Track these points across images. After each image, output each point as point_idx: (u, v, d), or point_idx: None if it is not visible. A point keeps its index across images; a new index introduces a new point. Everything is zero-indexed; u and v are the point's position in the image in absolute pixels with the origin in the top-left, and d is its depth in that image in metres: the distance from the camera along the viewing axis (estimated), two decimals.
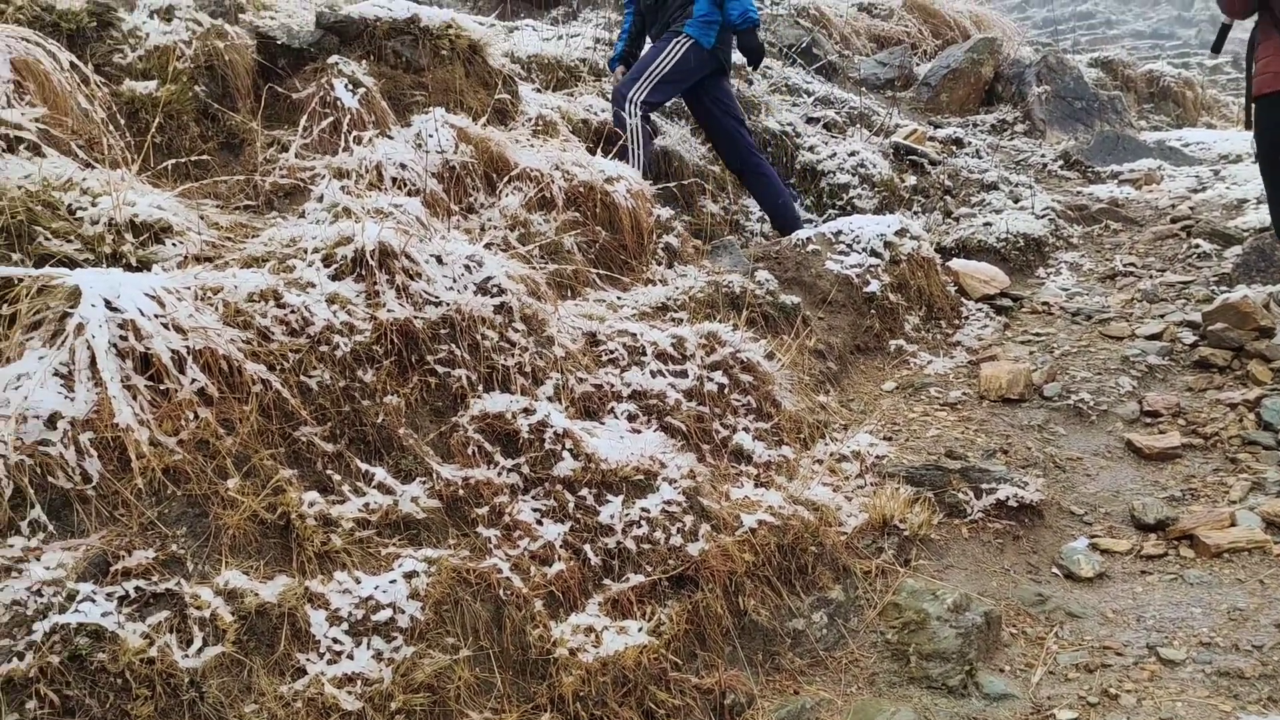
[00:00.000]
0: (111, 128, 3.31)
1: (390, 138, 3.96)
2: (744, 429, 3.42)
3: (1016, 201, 6.03)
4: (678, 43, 5.31)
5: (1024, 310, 5.00)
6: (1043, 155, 7.21)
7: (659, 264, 4.39)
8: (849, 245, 4.79)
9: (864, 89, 7.71)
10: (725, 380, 3.50)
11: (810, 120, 6.62)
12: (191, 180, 3.53)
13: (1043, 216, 5.80)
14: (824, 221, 5.44)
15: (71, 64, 3.26)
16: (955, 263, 5.25)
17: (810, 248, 4.72)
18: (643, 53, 5.48)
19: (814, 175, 6.10)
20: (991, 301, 5.02)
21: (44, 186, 2.83)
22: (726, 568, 2.76)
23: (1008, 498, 3.38)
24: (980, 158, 6.82)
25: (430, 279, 2.94)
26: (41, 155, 3.04)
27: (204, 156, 3.70)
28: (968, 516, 3.36)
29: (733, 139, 5.43)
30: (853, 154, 6.14)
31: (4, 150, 2.94)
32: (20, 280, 2.40)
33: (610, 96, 5.38)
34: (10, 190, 2.73)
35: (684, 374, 3.44)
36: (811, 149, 6.22)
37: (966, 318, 4.90)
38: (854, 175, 6.05)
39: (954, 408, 4.13)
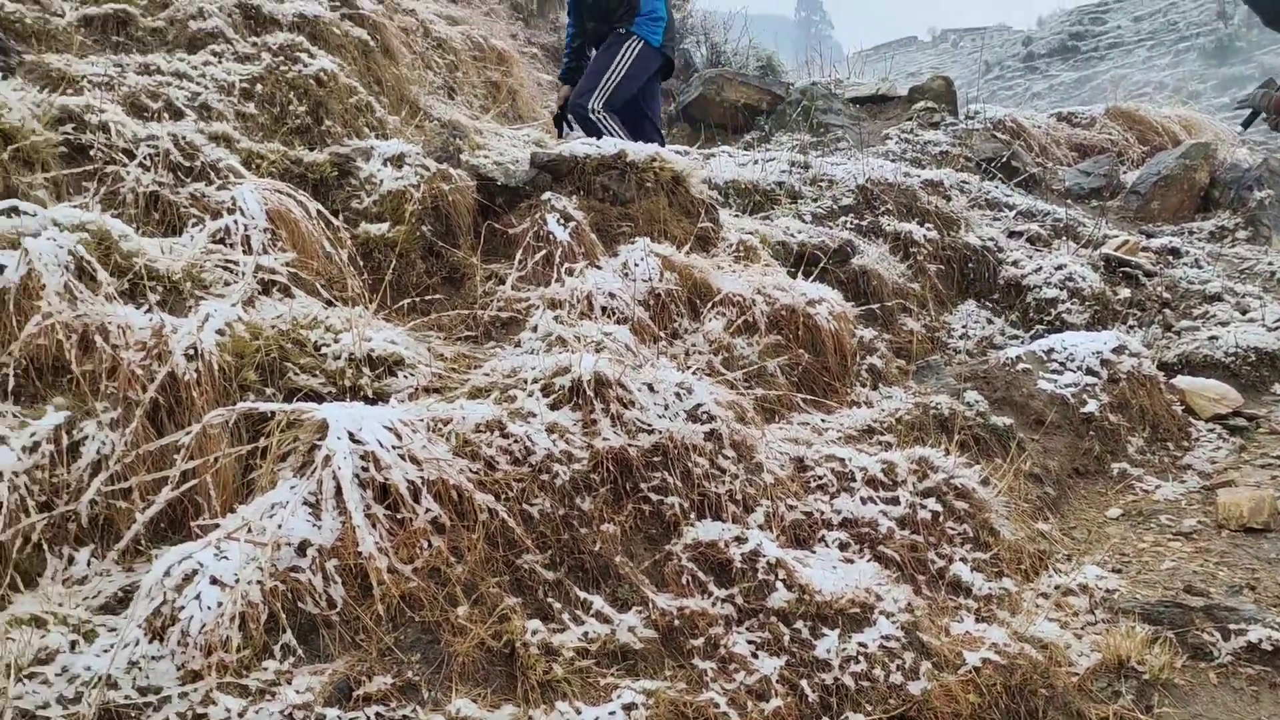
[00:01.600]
0: (351, 268, 3.58)
1: (599, 268, 4.12)
2: (961, 559, 3.29)
3: (1244, 313, 5.67)
4: (629, 46, 5.34)
5: (1261, 431, 4.64)
6: (1270, 263, 6.78)
7: (863, 386, 4.34)
8: (1062, 363, 4.61)
9: (1068, 200, 7.51)
10: (939, 507, 3.39)
11: (1013, 234, 6.48)
12: (419, 314, 3.77)
13: (1275, 329, 5.43)
14: (1032, 339, 5.26)
15: (319, 212, 3.57)
16: (1180, 380, 4.96)
17: (1020, 366, 4.57)
18: (593, 57, 5.43)
19: (1019, 290, 5.93)
20: (1223, 421, 4.70)
21: (293, 325, 3.07)
22: (951, 709, 2.63)
23: (1260, 640, 3.10)
24: (1200, 267, 6.48)
25: (643, 407, 3.00)
26: (291, 296, 3.32)
27: (430, 291, 3.96)
28: (1215, 660, 3.09)
29: (647, 139, 5.43)
30: (1059, 267, 5.95)
31: (260, 292, 3.23)
32: (273, 414, 2.61)
33: (568, 110, 5.44)
34: (265, 330, 2.99)
35: (895, 501, 3.36)
36: (1015, 264, 6.07)
37: (1196, 439, 4.59)
38: (1062, 289, 5.85)
39: (1189, 538, 3.85)
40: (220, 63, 5.13)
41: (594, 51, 5.71)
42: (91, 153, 3.43)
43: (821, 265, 4.71)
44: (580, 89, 5.31)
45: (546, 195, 4.33)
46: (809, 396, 4.10)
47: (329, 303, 3.39)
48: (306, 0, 5.96)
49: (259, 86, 5.10)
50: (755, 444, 3.21)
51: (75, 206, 3.08)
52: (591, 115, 5.23)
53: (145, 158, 3.49)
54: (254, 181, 3.61)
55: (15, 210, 2.93)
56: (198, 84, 4.89)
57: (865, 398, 4.24)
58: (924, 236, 6.02)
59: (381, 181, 4.06)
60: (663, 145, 5.39)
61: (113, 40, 5.23)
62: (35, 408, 2.55)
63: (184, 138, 3.66)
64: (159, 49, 5.24)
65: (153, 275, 3.00)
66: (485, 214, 4.36)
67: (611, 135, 5.11)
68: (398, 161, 4.16)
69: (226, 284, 3.20)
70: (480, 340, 3.79)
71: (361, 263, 3.76)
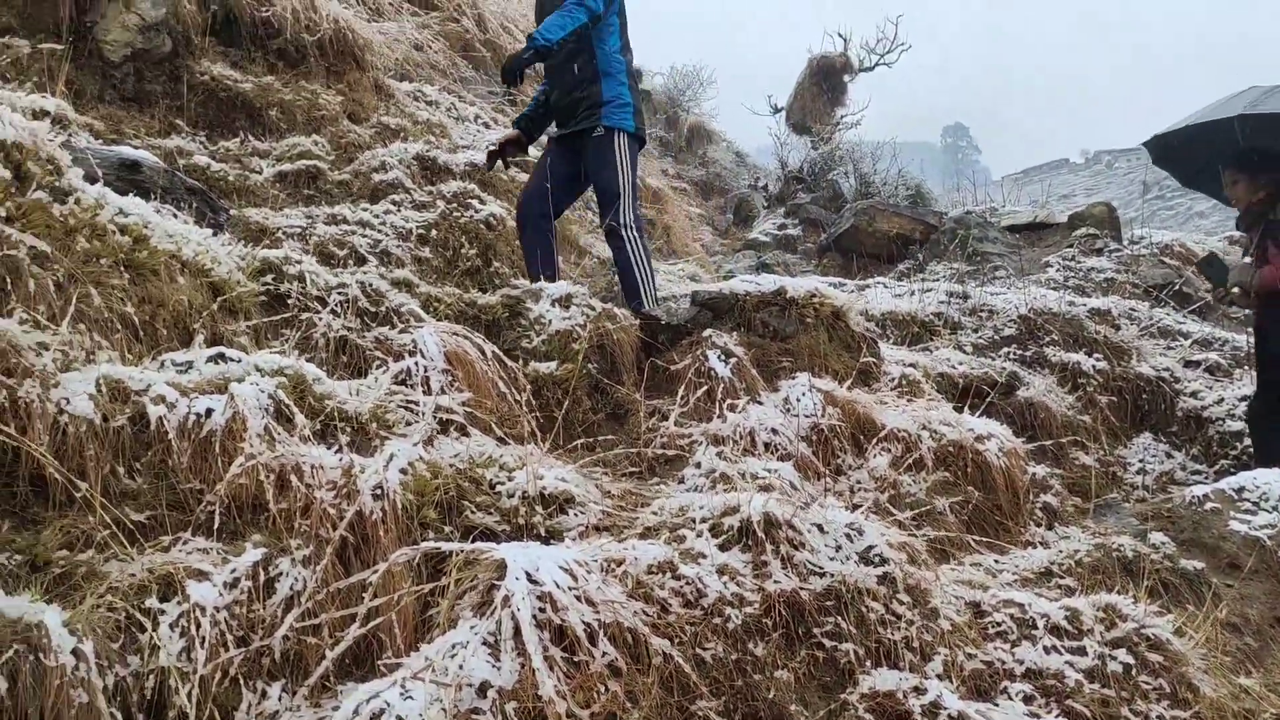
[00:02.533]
0: (523, 406, 3.70)
1: (761, 403, 4.14)
2: (1158, 717, 3.07)
3: None
4: (617, 144, 4.94)
5: None
6: None
7: (1037, 525, 4.18)
8: (1255, 503, 4.33)
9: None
10: (1130, 659, 3.18)
11: (1189, 364, 6.21)
12: (586, 451, 3.85)
13: None
14: (1218, 476, 4.98)
15: (494, 353, 3.72)
16: None
17: (1209, 506, 4.31)
18: (593, 174, 4.99)
19: (1200, 423, 5.65)
20: None
21: (470, 464, 3.18)
22: None
23: None
24: None
25: (813, 549, 2.96)
26: (467, 434, 3.45)
27: (595, 428, 4.05)
28: None
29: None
30: (1244, 399, 5.65)
31: (439, 431, 3.36)
32: (452, 553, 2.68)
33: (604, 232, 5.03)
34: (444, 468, 3.10)
35: (1082, 651, 3.17)
36: (1194, 395, 5.80)
37: None
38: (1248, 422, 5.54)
39: None
40: (399, 211, 5.48)
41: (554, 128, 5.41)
42: (289, 301, 3.68)
43: (988, 399, 4.60)
44: (608, 211, 4.93)
45: (707, 332, 4.41)
46: (980, 537, 3.96)
47: (502, 440, 3.50)
48: (477, 151, 6.33)
49: (434, 232, 5.42)
50: (930, 587, 3.11)
51: (275, 352, 3.30)
52: (625, 233, 4.83)
53: (336, 304, 3.72)
54: (433, 325, 3.80)
55: (222, 357, 3.15)
56: (379, 232, 5.23)
57: (1040, 538, 4.07)
58: (1093, 367, 5.83)
59: (550, 322, 4.21)
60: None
61: (304, 193, 5.66)
62: (235, 544, 2.69)
63: (370, 285, 3.89)
64: (345, 200, 5.65)
65: (342, 416, 3.16)
66: (648, 351, 4.46)
67: (642, 267, 4.81)
68: (565, 302, 4.32)
69: (408, 423, 3.35)
70: (645, 476, 3.83)
71: (532, 401, 3.88)
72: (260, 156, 5.85)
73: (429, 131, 6.73)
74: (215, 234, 3.79)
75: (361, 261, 4.90)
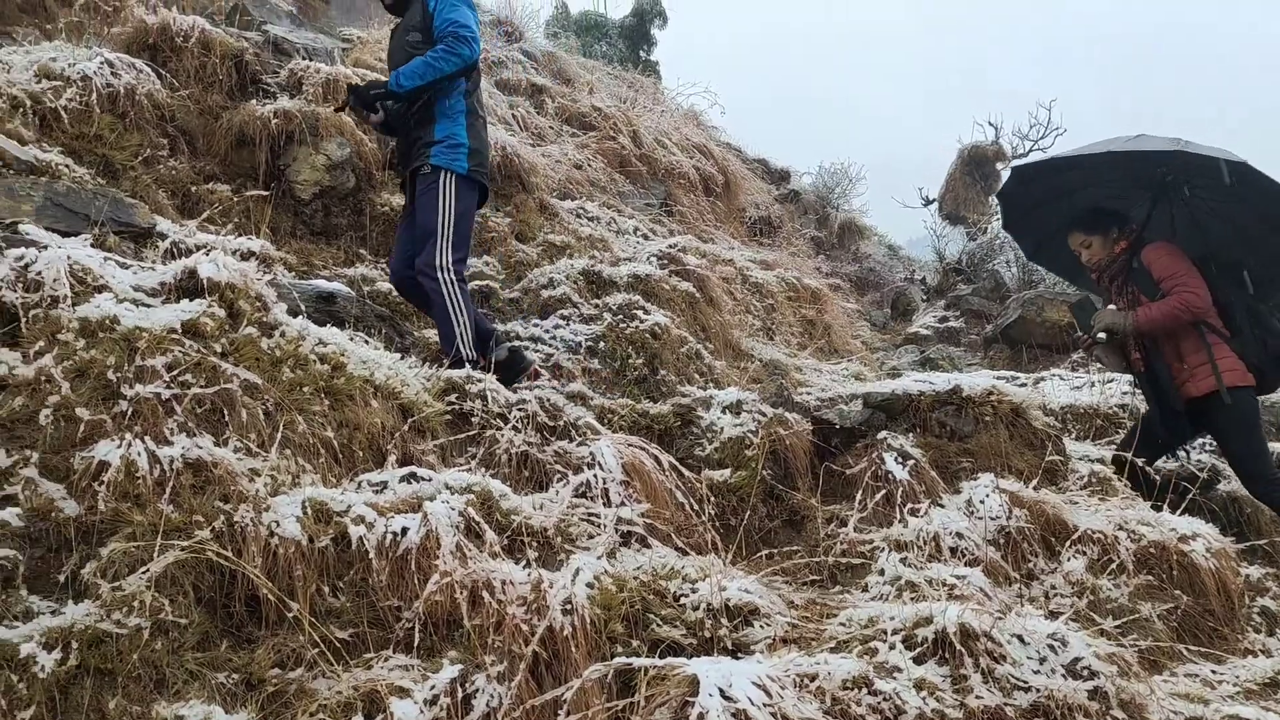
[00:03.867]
0: (701, 516, 3.70)
1: (942, 506, 4.02)
2: None
3: None
4: (441, 185, 4.60)
5: None
6: None
7: (1256, 631, 3.87)
8: None
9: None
10: None
11: None
12: (762, 560, 3.80)
13: None
14: None
15: (670, 464, 3.75)
16: None
17: None
18: (417, 211, 4.67)
19: None
20: None
21: (653, 576, 3.18)
22: None
23: None
24: None
25: (1015, 661, 2.82)
26: (648, 546, 3.47)
27: (771, 535, 4.01)
28: None
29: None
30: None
31: (620, 544, 3.40)
32: (640, 669, 2.67)
33: (417, 274, 4.57)
34: (629, 581, 3.11)
35: None
36: None
37: None
38: None
39: None
40: (568, 325, 5.64)
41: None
42: (473, 419, 3.82)
43: (1189, 495, 4.34)
44: (421, 250, 4.57)
45: (882, 434, 4.33)
46: (1193, 645, 3.70)
47: (682, 551, 3.50)
48: (639, 262, 6.49)
49: (601, 344, 5.55)
50: (1145, 702, 2.91)
51: (463, 470, 3.42)
52: (440, 274, 4.46)
53: (517, 420, 3.84)
54: (610, 437, 3.87)
55: (414, 476, 3.29)
56: (550, 346, 5.39)
57: (1261, 645, 3.77)
58: None
59: (722, 429, 4.23)
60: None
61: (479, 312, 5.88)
62: (433, 660, 2.76)
63: (548, 400, 4.01)
64: (516, 317, 5.86)
65: (528, 531, 3.23)
66: (821, 455, 4.41)
67: (458, 313, 4.45)
68: (735, 409, 4.33)
69: (590, 536, 3.39)
70: (827, 585, 3.76)
71: (706, 509, 3.87)
72: None
73: (592, 246, 6.96)
74: (403, 357, 3.99)
75: (535, 377, 5.05)
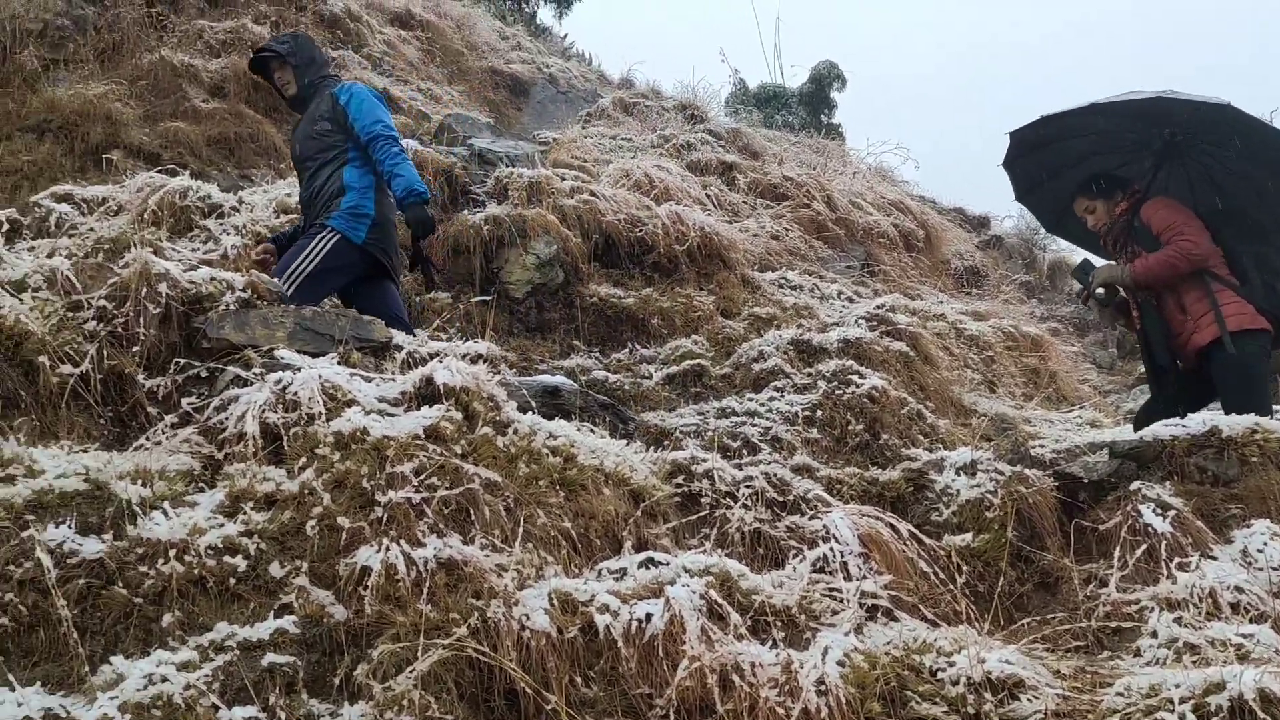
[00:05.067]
0: (948, 585, 3.55)
1: (1214, 558, 3.70)
2: None
3: None
4: (322, 238, 4.69)
5: None
6: None
7: None
8: None
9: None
10: None
11: None
12: (1018, 625, 3.60)
13: None
14: None
15: (909, 532, 3.63)
16: None
17: None
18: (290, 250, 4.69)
19: None
20: None
21: (905, 651, 3.06)
22: None
23: None
24: None
25: None
26: (894, 619, 3.35)
27: (1023, 600, 3.79)
28: None
29: None
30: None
31: (866, 619, 3.29)
32: None
33: None
34: (880, 657, 3.00)
35: None
36: None
37: None
38: None
39: None
40: (783, 397, 5.61)
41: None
42: (701, 499, 3.83)
43: None
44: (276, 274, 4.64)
45: (1135, 485, 4.05)
46: None
47: (932, 623, 3.36)
48: (847, 326, 6.41)
49: (819, 412, 5.47)
50: None
51: (698, 552, 3.41)
52: None
53: (745, 498, 3.82)
54: (841, 508, 3.79)
55: (651, 561, 3.31)
56: (767, 419, 5.36)
57: None
58: None
59: (958, 491, 4.06)
60: (412, 335, 4.63)
61: (691, 391, 5.95)
62: None
63: (775, 475, 3.97)
64: (729, 393, 5.87)
65: (770, 610, 3.18)
66: (1068, 511, 4.16)
67: None
68: (970, 469, 4.16)
69: (834, 612, 3.31)
70: (1093, 650, 3.51)
71: (950, 577, 3.71)
72: (648, 363, 6.27)
73: (798, 315, 6.92)
74: (628, 443, 4.05)
75: (755, 451, 5.03)
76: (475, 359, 3.92)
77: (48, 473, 2.99)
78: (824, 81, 18.57)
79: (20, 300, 3.42)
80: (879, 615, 3.36)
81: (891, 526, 3.72)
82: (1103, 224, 4.98)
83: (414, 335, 4.69)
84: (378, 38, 11.28)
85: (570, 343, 6.40)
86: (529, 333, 6.45)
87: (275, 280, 4.37)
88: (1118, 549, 3.87)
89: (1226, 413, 4.48)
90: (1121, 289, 4.86)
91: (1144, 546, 3.85)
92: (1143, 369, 11.12)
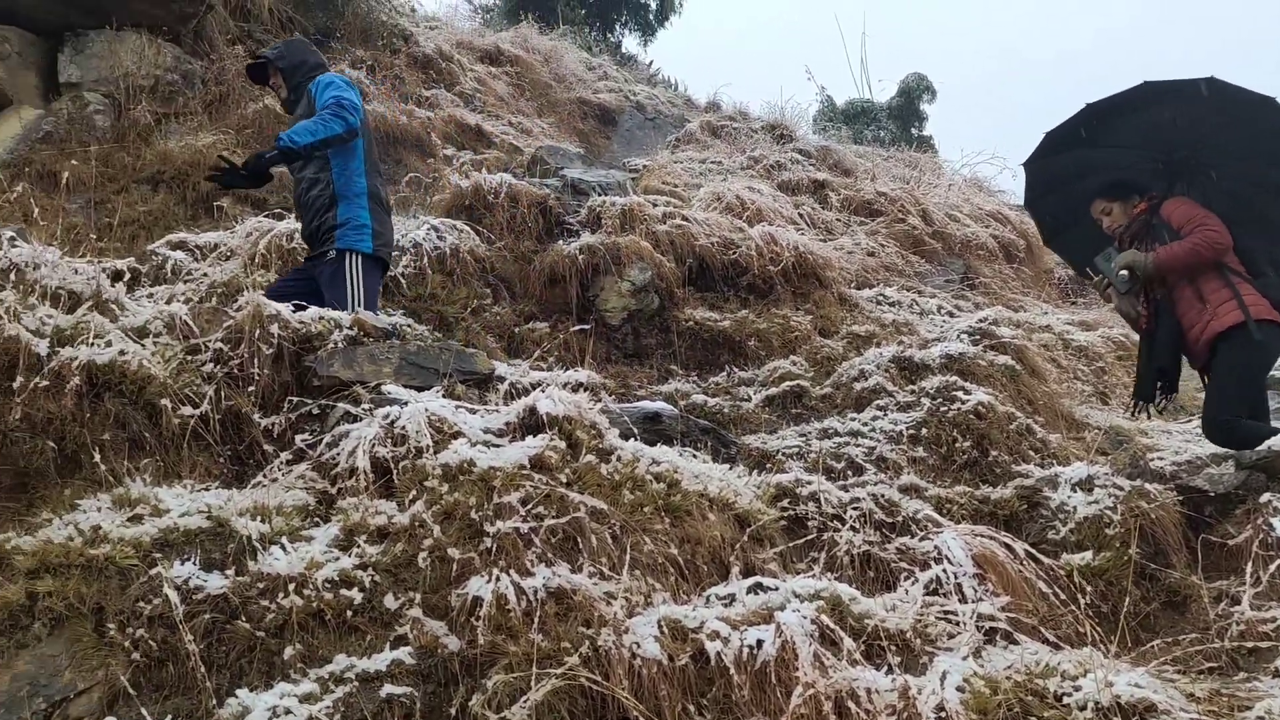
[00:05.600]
0: (1069, 605, 3.43)
1: None
2: None
3: None
4: (350, 266, 4.76)
5: None
6: None
7: None
8: None
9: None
10: None
11: None
12: (1145, 648, 3.46)
13: None
14: None
15: (1025, 551, 3.52)
16: None
17: None
18: (328, 297, 4.64)
19: None
20: None
21: (1027, 675, 2.96)
22: None
23: None
24: None
25: None
26: (1014, 642, 3.24)
27: (1149, 620, 3.64)
28: None
29: None
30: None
31: (985, 642, 3.20)
32: None
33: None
34: (1001, 682, 2.91)
35: None
36: None
37: None
38: None
39: None
40: (886, 415, 5.51)
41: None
42: (808, 522, 3.78)
43: None
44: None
45: (1265, 497, 3.87)
46: None
47: (1054, 645, 3.25)
48: (949, 341, 6.28)
49: (924, 430, 5.37)
50: None
51: (807, 576, 3.37)
52: None
53: (853, 520, 3.76)
54: (953, 528, 3.70)
55: (760, 586, 3.27)
56: (871, 439, 5.28)
57: None
58: None
59: (1075, 508, 3.94)
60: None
61: (791, 413, 5.90)
62: None
63: (882, 495, 3.90)
64: (830, 413, 5.79)
65: (884, 634, 3.11)
66: (1194, 526, 4.00)
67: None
68: (1087, 485, 4.03)
69: (950, 635, 3.22)
70: (1227, 672, 3.35)
71: (1071, 598, 3.59)
72: (746, 385, 6.23)
73: (897, 332, 6.81)
74: (731, 467, 4.02)
75: (859, 471, 4.95)
76: (576, 388, 3.95)
77: (172, 511, 3.10)
78: (913, 94, 18.35)
79: (143, 346, 3.56)
80: (997, 638, 3.27)
81: (1006, 546, 3.61)
82: (1118, 224, 4.99)
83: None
84: (468, 75, 11.54)
85: (667, 367, 6.40)
86: (626, 359, 6.48)
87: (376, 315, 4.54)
88: (1249, 564, 3.70)
89: (1219, 396, 4.48)
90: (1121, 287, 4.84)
91: (1278, 562, 3.67)
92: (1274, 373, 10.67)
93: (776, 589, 3.24)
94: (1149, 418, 5.04)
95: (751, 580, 3.34)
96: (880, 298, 7.51)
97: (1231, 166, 4.87)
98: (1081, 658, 3.07)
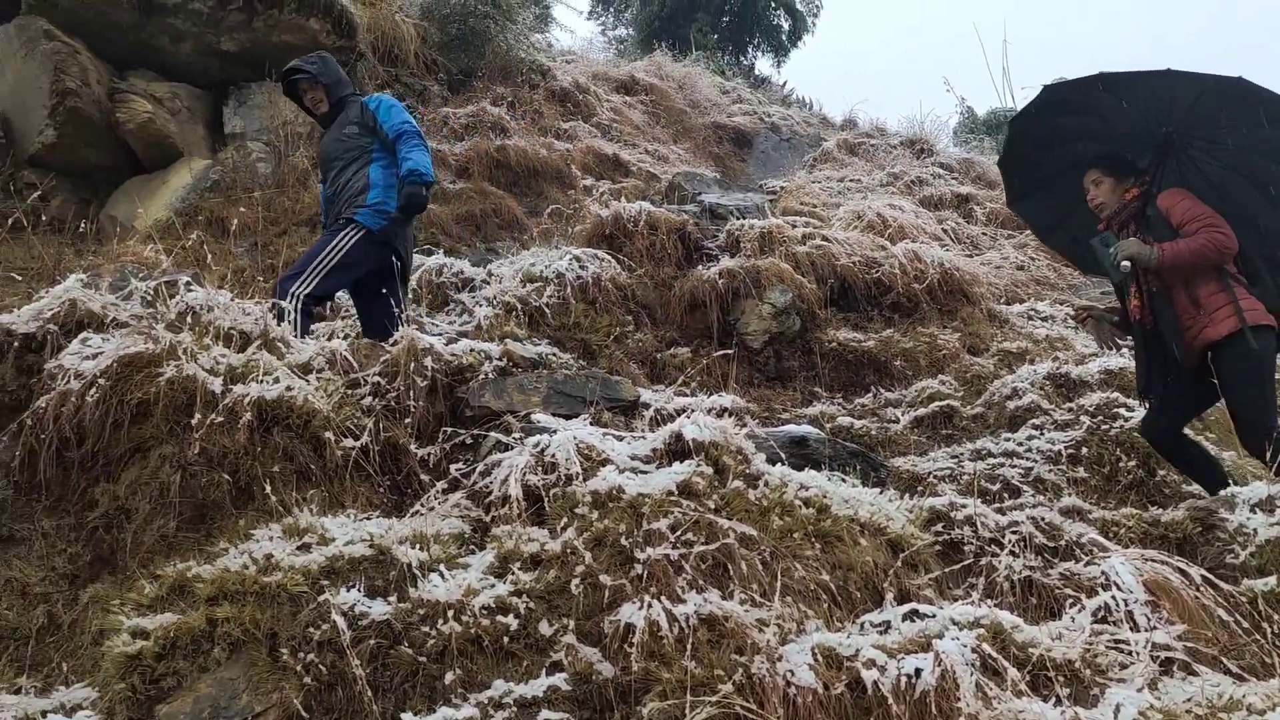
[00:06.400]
0: (1251, 634, 3.23)
1: None
2: None
3: None
4: (347, 233, 5.05)
5: None
6: None
7: None
8: None
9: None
10: None
11: None
12: None
13: None
14: None
15: (1201, 577, 3.33)
16: None
17: None
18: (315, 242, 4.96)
19: None
20: None
21: (1209, 709, 2.79)
22: None
23: None
24: None
25: None
26: (1193, 673, 3.06)
27: None
28: None
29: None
30: None
31: (1160, 673, 3.03)
32: None
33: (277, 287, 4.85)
34: (1180, 715, 2.76)
35: None
36: None
37: None
38: None
39: None
40: (1042, 435, 5.32)
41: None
42: (964, 547, 3.67)
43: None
44: (292, 269, 4.94)
45: None
46: None
47: (1238, 677, 3.06)
48: (1109, 356, 6.03)
49: (1084, 450, 5.15)
50: None
51: (966, 603, 3.26)
52: (289, 299, 4.66)
53: (1012, 544, 3.62)
54: (1121, 553, 3.53)
55: (916, 613, 3.18)
56: (1026, 459, 5.10)
57: None
58: None
59: (1255, 530, 3.70)
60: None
61: (941, 434, 5.75)
62: None
63: (1043, 519, 3.76)
64: (982, 433, 5.62)
65: (1050, 664, 2.99)
66: None
67: (293, 326, 4.50)
68: (1268, 506, 3.79)
69: (1122, 666, 3.07)
70: None
71: (1261, 625, 3.37)
72: (893, 406, 6.11)
73: (1051, 347, 6.58)
74: (881, 490, 3.95)
75: (1016, 494, 4.78)
76: (721, 413, 3.94)
77: (338, 540, 3.23)
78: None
79: (307, 381, 3.73)
80: (1174, 669, 3.09)
81: (1180, 571, 3.41)
82: (1102, 202, 4.72)
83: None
84: (605, 105, 11.75)
85: (811, 390, 6.34)
86: (769, 382, 6.44)
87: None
88: None
89: (1236, 410, 4.29)
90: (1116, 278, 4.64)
91: None
92: None
93: (934, 616, 3.15)
94: None
95: (907, 607, 3.25)
96: (1032, 312, 7.26)
97: (1228, 159, 4.67)
98: (1269, 690, 2.88)
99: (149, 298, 3.93)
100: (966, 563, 3.67)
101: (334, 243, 5.03)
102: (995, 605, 3.38)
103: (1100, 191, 4.74)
